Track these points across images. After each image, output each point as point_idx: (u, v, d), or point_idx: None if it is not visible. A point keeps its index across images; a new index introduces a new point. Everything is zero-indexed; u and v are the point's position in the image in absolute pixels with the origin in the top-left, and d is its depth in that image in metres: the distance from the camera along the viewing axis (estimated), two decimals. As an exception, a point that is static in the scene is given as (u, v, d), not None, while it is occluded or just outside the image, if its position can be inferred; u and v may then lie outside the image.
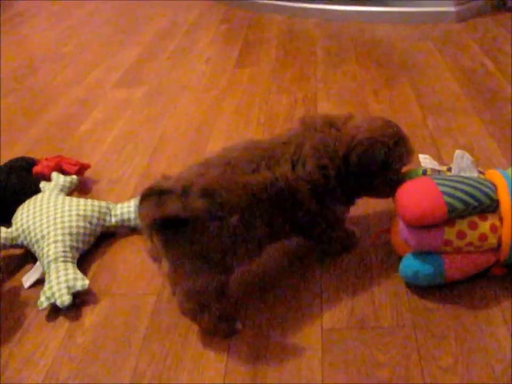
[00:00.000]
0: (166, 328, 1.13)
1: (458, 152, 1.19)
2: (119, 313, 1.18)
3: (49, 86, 2.42)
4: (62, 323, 1.18)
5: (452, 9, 2.65)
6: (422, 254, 1.11)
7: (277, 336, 1.08)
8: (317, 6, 2.91)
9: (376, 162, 1.15)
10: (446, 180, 1.10)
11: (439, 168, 1.21)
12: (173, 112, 2.01)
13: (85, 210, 1.35)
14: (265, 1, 3.08)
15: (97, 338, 1.13)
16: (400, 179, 1.18)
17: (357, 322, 1.09)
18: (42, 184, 1.47)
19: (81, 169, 1.60)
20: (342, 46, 2.48)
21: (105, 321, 1.17)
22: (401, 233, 1.13)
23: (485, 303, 1.10)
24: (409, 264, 1.13)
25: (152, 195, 0.98)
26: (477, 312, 1.09)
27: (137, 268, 1.30)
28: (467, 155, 1.18)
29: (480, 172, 1.18)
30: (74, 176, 1.52)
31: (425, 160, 1.24)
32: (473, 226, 1.08)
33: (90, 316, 1.18)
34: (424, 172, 1.21)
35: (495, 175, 1.13)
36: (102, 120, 2.03)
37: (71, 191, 1.51)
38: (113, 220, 1.39)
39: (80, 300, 1.21)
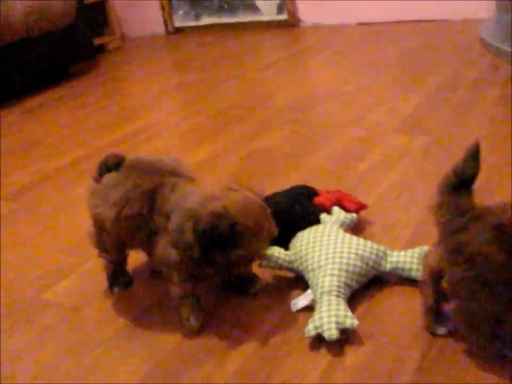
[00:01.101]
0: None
1: None
2: (381, 361, 1.17)
3: (328, 121, 2.52)
4: (325, 355, 1.20)
5: None
6: None
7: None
8: None
9: None
10: None
11: None
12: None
13: (363, 250, 1.37)
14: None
15: (357, 380, 1.13)
16: None
17: None
18: (323, 216, 1.52)
19: (359, 208, 1.63)
20: None
21: (367, 365, 1.17)
22: None
23: None
24: None
25: None
26: None
27: (404, 319, 1.28)
28: None
29: None
30: (354, 215, 1.55)
31: None
32: None
33: (352, 356, 1.19)
34: None
35: None
36: (380, 163, 2.05)
37: (348, 229, 1.54)
38: (388, 266, 1.39)
39: (345, 337, 1.22)
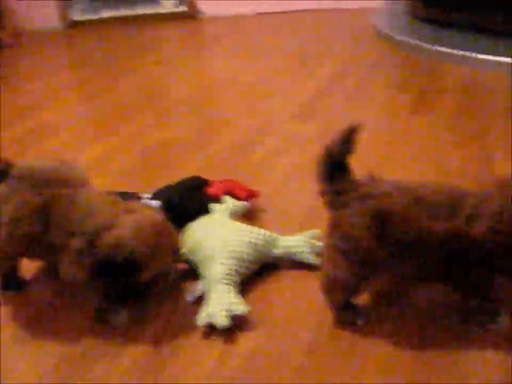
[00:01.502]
0: (320, 367, 1.13)
1: None
2: (273, 344, 1.19)
3: (225, 111, 2.53)
4: (217, 344, 1.21)
5: None
6: None
7: None
8: (502, 59, 2.80)
9: None
10: None
11: None
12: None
13: (253, 237, 1.38)
14: (446, 50, 3.01)
15: (250, 366, 1.15)
16: None
17: None
18: (213, 206, 1.53)
19: (251, 196, 1.64)
20: (526, 104, 2.36)
21: (259, 350, 1.18)
22: None
23: None
24: None
25: None
26: None
27: (295, 302, 1.31)
28: None
29: None
30: (244, 203, 1.56)
31: None
32: None
33: (244, 342, 1.21)
34: None
35: None
36: (275, 150, 2.08)
37: (239, 217, 1.55)
38: (279, 251, 1.41)
39: (236, 324, 1.23)
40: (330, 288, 1.23)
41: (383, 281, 1.33)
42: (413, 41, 3.21)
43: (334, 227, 1.19)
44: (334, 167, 1.19)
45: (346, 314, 1.24)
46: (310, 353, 1.17)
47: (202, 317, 1.22)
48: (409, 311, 1.26)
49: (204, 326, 1.23)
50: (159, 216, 1.29)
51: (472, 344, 1.16)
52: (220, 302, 1.23)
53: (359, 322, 1.23)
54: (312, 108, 2.46)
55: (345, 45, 3.46)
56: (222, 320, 1.20)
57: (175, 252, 1.30)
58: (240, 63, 3.26)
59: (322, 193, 1.21)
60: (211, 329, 1.23)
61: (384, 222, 1.12)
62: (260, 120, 2.37)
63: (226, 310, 1.21)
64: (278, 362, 1.15)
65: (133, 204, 1.30)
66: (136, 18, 4.55)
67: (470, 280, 1.16)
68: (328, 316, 1.24)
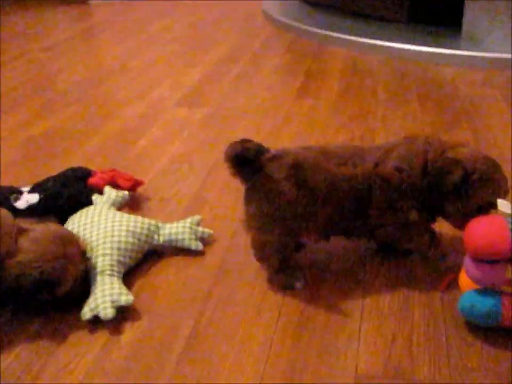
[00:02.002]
0: (201, 352, 1.14)
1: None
2: (157, 333, 1.19)
3: (112, 99, 2.48)
4: (101, 336, 1.19)
5: (521, 57, 2.62)
6: (484, 290, 1.12)
7: (310, 376, 1.08)
8: (383, 42, 2.91)
9: (448, 184, 1.19)
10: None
11: None
12: (230, 137, 2.01)
13: (134, 226, 1.37)
14: (331, 34, 3.09)
15: (132, 356, 1.14)
16: (473, 213, 1.19)
17: (392, 371, 1.07)
18: (95, 197, 1.50)
19: (135, 185, 1.63)
20: (404, 86, 2.47)
21: (142, 340, 1.18)
22: (466, 268, 1.13)
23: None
24: (468, 297, 1.14)
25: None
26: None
27: (179, 290, 1.31)
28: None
29: None
30: (126, 192, 1.54)
31: (504, 206, 1.25)
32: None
33: (129, 332, 1.20)
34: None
35: None
36: (160, 138, 2.06)
37: (122, 207, 1.54)
38: (161, 239, 1.41)
39: (121, 315, 1.23)
40: (263, 254, 1.28)
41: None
42: (300, 25, 3.27)
43: (253, 194, 1.23)
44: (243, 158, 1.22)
45: (284, 278, 1.28)
46: (191, 337, 1.17)
47: (86, 311, 1.20)
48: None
49: (87, 320, 1.21)
50: (54, 226, 1.27)
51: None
52: (104, 293, 1.22)
53: (298, 285, 1.28)
54: (199, 94, 2.46)
55: (235, 30, 3.47)
56: (106, 312, 1.18)
57: (83, 253, 1.28)
58: (129, 49, 3.20)
59: (234, 174, 1.24)
60: (96, 323, 1.21)
61: (300, 172, 1.20)
62: (147, 107, 2.34)
63: (111, 301, 1.20)
64: (157, 349, 1.15)
65: (20, 223, 1.26)
66: (20, 1, 4.37)
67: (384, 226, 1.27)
68: (211, 302, 1.26)
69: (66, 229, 1.30)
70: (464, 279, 1.18)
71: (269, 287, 1.30)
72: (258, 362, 1.11)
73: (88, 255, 1.32)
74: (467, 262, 1.14)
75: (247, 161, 1.20)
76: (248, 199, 1.25)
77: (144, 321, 1.22)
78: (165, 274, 1.36)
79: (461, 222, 1.22)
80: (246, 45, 3.14)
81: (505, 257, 1.07)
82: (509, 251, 1.06)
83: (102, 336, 1.19)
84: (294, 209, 1.21)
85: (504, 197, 1.20)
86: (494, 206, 1.18)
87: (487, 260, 1.08)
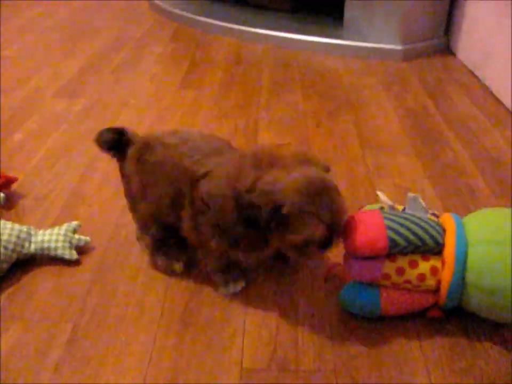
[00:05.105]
0: (81, 357, 1.08)
1: (410, 195, 1.21)
2: (31, 341, 1.12)
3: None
4: (-31, 348, 1.11)
5: (400, 47, 2.70)
6: (362, 283, 1.13)
7: (195, 373, 1.05)
8: (267, 32, 2.91)
9: (258, 219, 1.06)
10: (395, 216, 1.11)
11: (393, 205, 1.23)
12: (111, 129, 1.96)
13: (4, 234, 1.27)
14: (216, 22, 3.06)
15: (6, 368, 1.07)
16: (299, 247, 1.07)
17: (277, 363, 1.07)
18: (-38, 197, 1.39)
19: (7, 182, 1.52)
20: (288, 75, 2.48)
21: (17, 347, 1.10)
22: (345, 264, 1.15)
23: (410, 354, 1.10)
24: (349, 290, 1.15)
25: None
26: (401, 361, 1.08)
27: (55, 294, 1.24)
28: (419, 199, 1.20)
29: (434, 215, 1.19)
30: (-2, 191, 1.45)
31: (382, 197, 1.27)
32: (413, 264, 1.10)
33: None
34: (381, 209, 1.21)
35: (447, 220, 1.15)
36: (37, 130, 1.96)
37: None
38: (33, 247, 1.30)
39: (-9, 323, 1.15)
40: (137, 233, 1.35)
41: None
42: (185, 13, 3.21)
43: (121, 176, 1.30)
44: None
45: (164, 261, 1.30)
46: (69, 342, 1.11)
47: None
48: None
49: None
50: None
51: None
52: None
53: (234, 289, 1.25)
54: (79, 84, 2.35)
55: (118, 18, 3.36)
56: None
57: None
58: (2, 37, 3.01)
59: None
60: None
61: (143, 152, 1.23)
62: (23, 99, 2.21)
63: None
64: (34, 357, 1.08)
65: None
66: None
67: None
68: (91, 304, 1.20)
69: None
70: (346, 272, 1.20)
71: (151, 283, 1.26)
72: (141, 362, 1.07)
73: None
74: (345, 258, 1.15)
75: (116, 145, 1.27)
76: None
77: (18, 329, 1.15)
78: (40, 280, 1.28)
79: (294, 254, 1.11)
80: (129, 34, 3.05)
81: (383, 254, 1.08)
82: (386, 248, 1.07)
83: (-29, 347, 1.11)
84: (134, 188, 1.26)
85: (337, 221, 1.06)
86: (312, 243, 1.06)
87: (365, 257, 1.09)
